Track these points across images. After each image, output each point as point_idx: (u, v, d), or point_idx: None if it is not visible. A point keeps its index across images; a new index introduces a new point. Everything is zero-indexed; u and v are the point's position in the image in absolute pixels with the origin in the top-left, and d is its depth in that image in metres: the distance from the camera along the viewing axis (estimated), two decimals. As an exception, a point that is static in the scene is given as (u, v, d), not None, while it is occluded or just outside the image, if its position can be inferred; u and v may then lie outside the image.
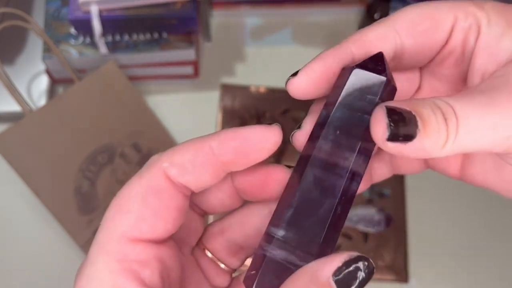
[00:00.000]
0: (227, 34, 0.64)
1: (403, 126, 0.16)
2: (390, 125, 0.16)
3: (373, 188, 0.57)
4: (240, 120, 0.59)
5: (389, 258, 0.54)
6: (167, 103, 0.60)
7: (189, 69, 0.59)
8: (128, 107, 0.55)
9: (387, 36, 0.20)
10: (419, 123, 0.17)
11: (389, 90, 0.18)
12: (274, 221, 0.18)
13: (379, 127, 0.17)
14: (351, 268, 0.16)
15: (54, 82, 0.59)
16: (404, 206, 0.57)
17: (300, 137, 0.20)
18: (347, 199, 0.18)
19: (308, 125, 0.20)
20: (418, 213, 0.57)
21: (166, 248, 0.19)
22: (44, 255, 0.54)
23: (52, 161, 0.51)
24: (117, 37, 0.55)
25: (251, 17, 0.65)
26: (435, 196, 0.58)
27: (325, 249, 0.17)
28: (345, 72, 0.19)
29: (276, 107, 0.60)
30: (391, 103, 0.17)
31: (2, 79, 0.50)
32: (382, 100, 0.18)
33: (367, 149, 0.18)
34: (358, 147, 0.18)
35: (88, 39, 0.55)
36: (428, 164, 0.23)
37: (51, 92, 0.58)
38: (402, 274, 0.54)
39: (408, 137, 0.16)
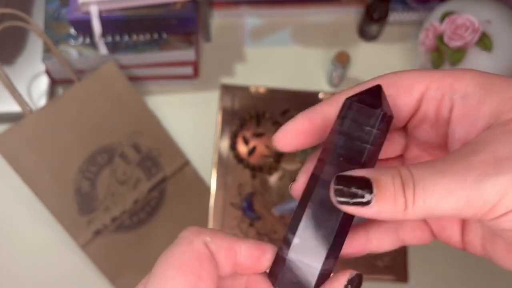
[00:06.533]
0: (227, 35, 0.64)
1: (353, 191, 0.19)
2: (337, 191, 0.19)
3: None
4: (240, 120, 0.59)
5: (389, 258, 0.55)
6: (167, 104, 0.60)
7: (189, 70, 0.59)
8: (128, 108, 0.55)
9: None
10: (375, 189, 0.18)
11: (386, 120, 0.20)
12: (291, 229, 0.21)
13: (331, 192, 0.19)
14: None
15: (54, 82, 0.59)
16: (404, 206, 0.57)
17: (297, 188, 0.22)
18: (349, 214, 0.21)
19: (302, 177, 0.22)
20: (418, 213, 0.57)
21: None
22: (44, 255, 0.54)
23: (52, 161, 0.51)
24: (117, 38, 0.55)
25: (251, 18, 0.65)
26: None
27: (333, 252, 0.21)
28: (345, 104, 0.21)
29: (275, 107, 0.60)
30: (350, 172, 0.19)
31: (2, 80, 0.50)
32: (380, 129, 0.20)
33: None
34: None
35: (88, 40, 0.55)
36: (434, 235, 0.24)
37: (51, 93, 0.58)
38: (401, 274, 0.54)
39: (364, 202, 0.18)
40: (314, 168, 0.21)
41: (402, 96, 0.21)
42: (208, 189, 0.57)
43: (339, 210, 0.20)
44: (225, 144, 0.58)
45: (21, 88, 0.55)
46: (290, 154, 0.58)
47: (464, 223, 0.23)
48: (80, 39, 0.55)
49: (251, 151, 0.58)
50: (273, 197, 0.57)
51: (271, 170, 0.57)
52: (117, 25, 0.54)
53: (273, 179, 0.57)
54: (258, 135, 0.59)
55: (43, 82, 0.58)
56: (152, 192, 0.55)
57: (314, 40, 0.65)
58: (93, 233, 0.52)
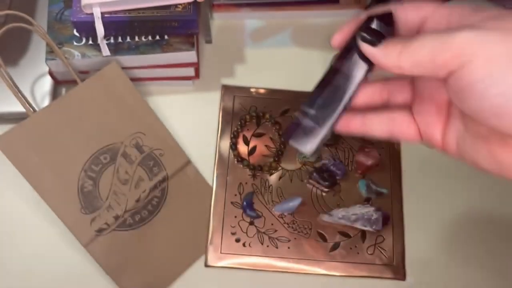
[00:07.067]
0: (228, 36, 0.65)
1: (373, 36, 0.28)
2: (363, 34, 0.29)
3: (371, 187, 0.57)
4: (240, 120, 0.59)
5: (387, 256, 0.55)
6: (168, 104, 0.61)
7: (190, 71, 0.60)
8: (130, 108, 0.56)
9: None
10: (386, 40, 0.28)
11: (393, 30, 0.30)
12: (309, 103, 0.30)
13: (358, 35, 0.29)
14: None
15: (57, 83, 0.59)
16: (402, 205, 0.58)
17: (337, 37, 0.31)
18: (351, 99, 0.30)
19: (343, 31, 0.30)
20: (415, 212, 0.58)
21: None
22: (47, 254, 0.55)
23: (55, 161, 0.52)
24: (119, 39, 0.56)
25: (251, 19, 0.66)
26: (432, 195, 0.59)
27: (335, 123, 0.31)
28: (367, 20, 0.30)
29: (276, 108, 0.60)
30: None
31: (6, 81, 0.51)
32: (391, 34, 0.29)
33: (370, 71, 0.31)
34: (368, 67, 0.30)
35: (90, 41, 0.56)
36: (420, 135, 0.31)
37: (54, 94, 0.59)
38: (399, 272, 0.55)
39: (376, 44, 0.28)
40: (336, 62, 0.30)
41: (412, 11, 0.29)
42: (209, 188, 0.57)
43: (345, 92, 0.30)
44: (225, 144, 0.59)
45: (25, 89, 0.56)
46: (290, 154, 0.58)
47: (445, 123, 0.30)
48: (83, 41, 0.56)
49: (251, 151, 0.59)
50: (273, 197, 0.57)
51: (271, 170, 0.58)
52: (120, 27, 0.55)
53: (273, 178, 0.58)
54: (258, 135, 0.60)
55: (46, 83, 0.58)
56: (154, 191, 0.55)
57: (313, 41, 0.65)
58: (96, 232, 0.53)
